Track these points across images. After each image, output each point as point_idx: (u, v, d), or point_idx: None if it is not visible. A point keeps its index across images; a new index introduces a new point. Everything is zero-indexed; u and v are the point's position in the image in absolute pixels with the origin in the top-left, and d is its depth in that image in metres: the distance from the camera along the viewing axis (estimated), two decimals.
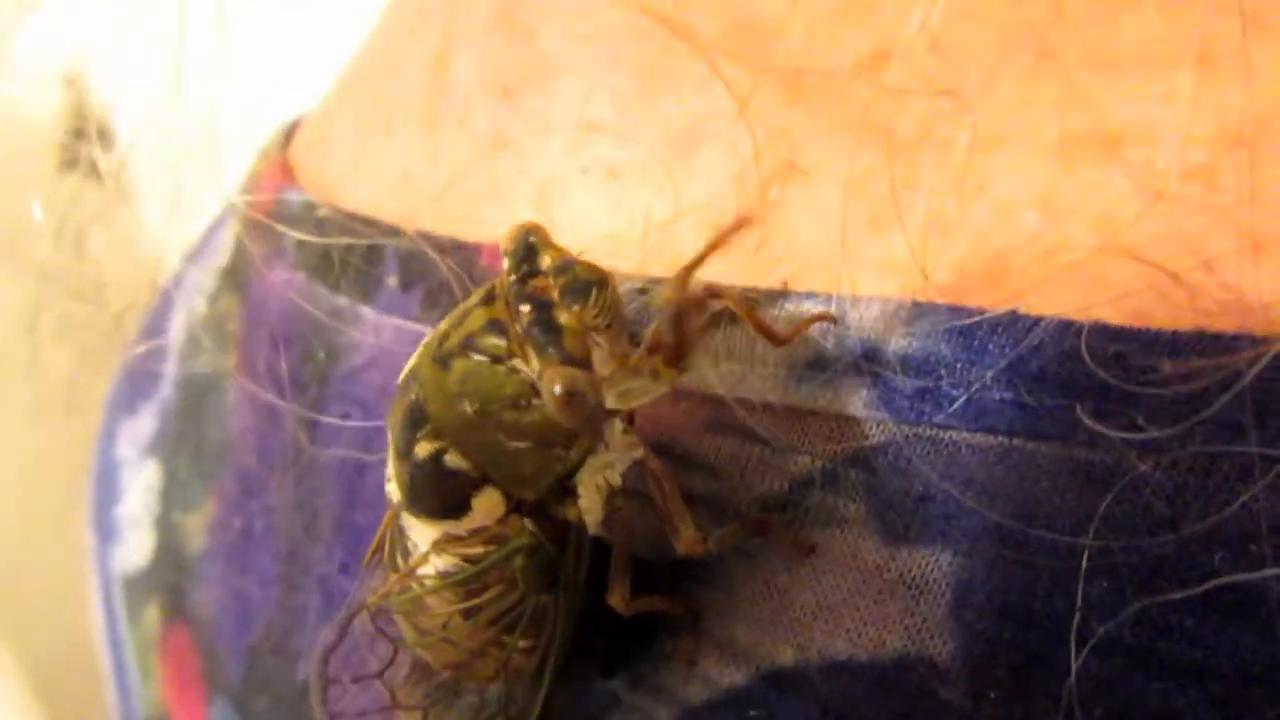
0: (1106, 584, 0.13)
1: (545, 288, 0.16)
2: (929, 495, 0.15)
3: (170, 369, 0.34)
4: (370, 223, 0.23)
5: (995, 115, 0.15)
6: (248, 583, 0.28)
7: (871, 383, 0.15)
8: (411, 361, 0.17)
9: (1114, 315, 0.14)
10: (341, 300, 0.24)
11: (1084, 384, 0.14)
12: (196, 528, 0.31)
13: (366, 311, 0.23)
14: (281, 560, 0.27)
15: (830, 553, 0.16)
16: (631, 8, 0.18)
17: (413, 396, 0.17)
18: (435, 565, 0.18)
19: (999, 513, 0.14)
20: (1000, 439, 0.14)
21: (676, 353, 0.15)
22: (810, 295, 0.16)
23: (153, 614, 0.33)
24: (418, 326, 0.22)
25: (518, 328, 0.16)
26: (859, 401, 0.16)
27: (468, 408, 0.16)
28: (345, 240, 0.23)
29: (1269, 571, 0.12)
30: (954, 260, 0.15)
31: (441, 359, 0.16)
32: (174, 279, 0.37)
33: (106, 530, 0.36)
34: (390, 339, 0.23)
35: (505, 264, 0.16)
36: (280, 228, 0.26)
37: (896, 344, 0.15)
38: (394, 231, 0.22)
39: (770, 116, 0.16)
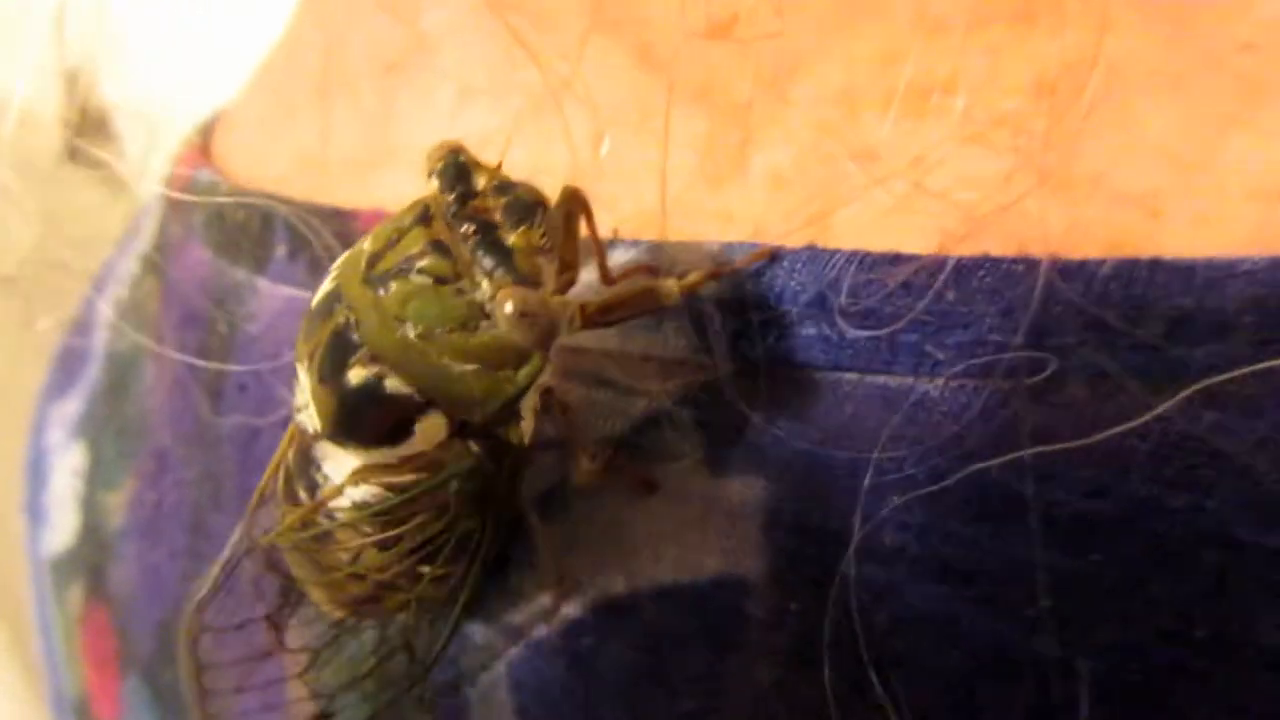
0: (895, 498, 0.14)
1: (486, 208, 0.15)
2: (748, 428, 0.15)
3: (97, 352, 0.35)
4: (266, 198, 0.24)
5: (830, 73, 0.16)
6: (159, 556, 0.29)
7: (695, 326, 0.16)
8: (328, 285, 0.17)
9: (920, 250, 0.15)
10: (240, 273, 0.25)
11: (882, 313, 0.15)
12: (117, 505, 0.32)
13: (261, 282, 0.24)
14: (189, 531, 0.27)
15: (665, 488, 0.17)
16: None
17: (340, 320, 0.16)
18: (351, 497, 0.17)
19: (807, 440, 0.15)
20: (808, 372, 0.15)
21: (565, 262, 0.16)
22: (635, 243, 0.17)
23: (75, 595, 0.34)
24: (304, 294, 0.22)
25: (463, 249, 0.15)
26: (685, 345, 0.16)
27: (410, 331, 0.16)
28: (240, 214, 0.24)
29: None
30: (785, 210, 0.16)
31: (375, 281, 0.16)
32: (105, 266, 0.38)
33: (36, 515, 0.37)
34: (281, 308, 0.23)
35: (436, 184, 0.16)
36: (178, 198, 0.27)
37: (710, 288, 0.16)
38: (279, 204, 0.23)
39: (626, 82, 0.17)
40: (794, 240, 0.16)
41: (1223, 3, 0.15)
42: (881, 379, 0.15)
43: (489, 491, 0.17)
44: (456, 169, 0.16)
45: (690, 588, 0.16)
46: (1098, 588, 0.14)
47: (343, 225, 0.21)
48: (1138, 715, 0.14)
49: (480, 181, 0.16)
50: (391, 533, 0.17)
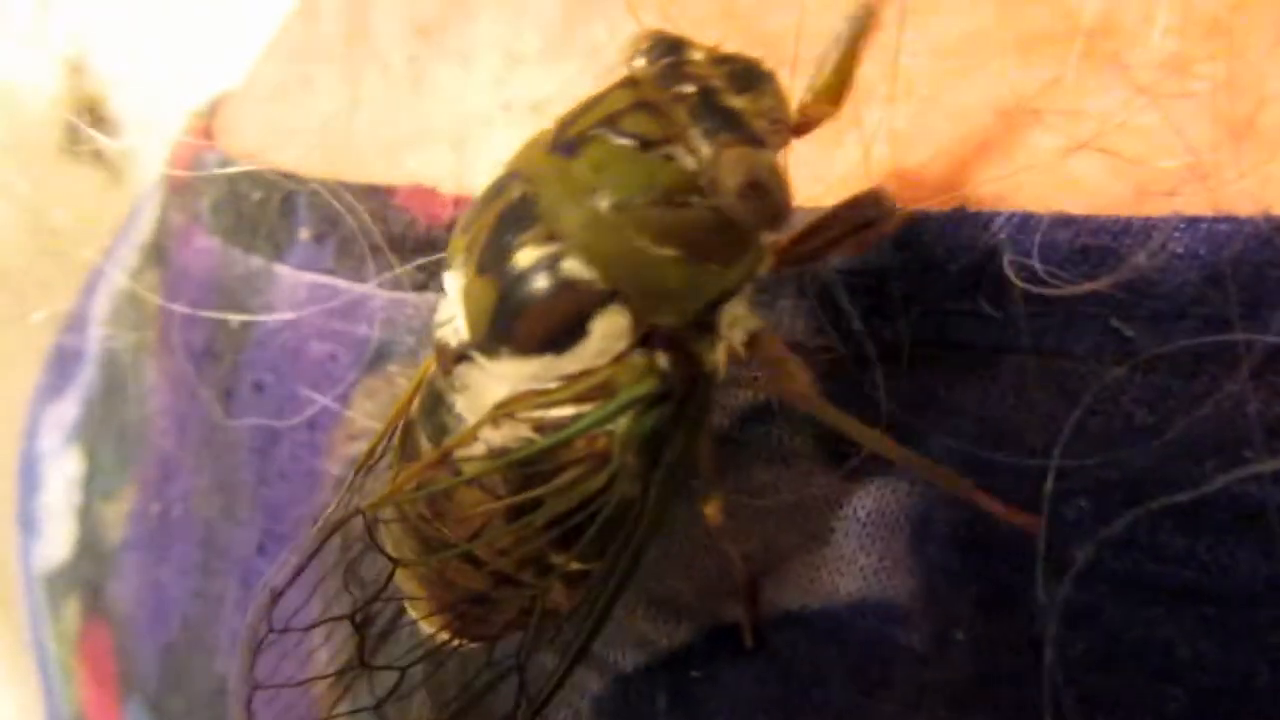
0: (1085, 504, 0.12)
1: (706, 74, 0.13)
2: (883, 422, 0.13)
3: (93, 351, 0.33)
4: (284, 176, 0.22)
5: (945, 24, 0.14)
6: (165, 573, 0.27)
7: (820, 303, 0.14)
8: (509, 163, 0.14)
9: (1081, 210, 0.13)
10: (255, 261, 0.23)
11: (1055, 283, 0.12)
12: (117, 517, 0.30)
13: (280, 269, 0.22)
14: (199, 545, 0.26)
15: (776, 494, 0.14)
16: None
17: (514, 197, 0.13)
18: (488, 441, 0.14)
19: (962, 435, 0.13)
20: (960, 353, 0.13)
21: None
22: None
23: (73, 610, 0.33)
24: (332, 280, 0.20)
25: (678, 110, 0.12)
26: (804, 326, 0.14)
27: (602, 202, 0.13)
28: (258, 194, 0.22)
29: (1263, 466, 0.11)
30: (906, 171, 0.14)
31: (566, 145, 0.13)
32: (104, 258, 0.37)
33: (28, 524, 0.35)
34: (305, 296, 0.22)
35: (641, 61, 0.13)
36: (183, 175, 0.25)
37: (837, 259, 0.14)
38: (302, 182, 0.21)
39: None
40: (924, 203, 0.13)
41: None
42: (1057, 361, 0.13)
43: (664, 439, 0.13)
44: (669, 42, 0.13)
45: (822, 613, 0.14)
46: None
47: (380, 203, 0.19)
48: None
49: (697, 54, 0.13)
50: (530, 494, 0.14)
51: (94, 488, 0.32)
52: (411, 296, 0.18)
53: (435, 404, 0.14)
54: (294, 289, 0.22)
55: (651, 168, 0.13)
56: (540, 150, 0.13)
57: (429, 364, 0.14)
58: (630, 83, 0.13)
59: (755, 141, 0.12)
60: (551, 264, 0.13)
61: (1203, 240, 0.12)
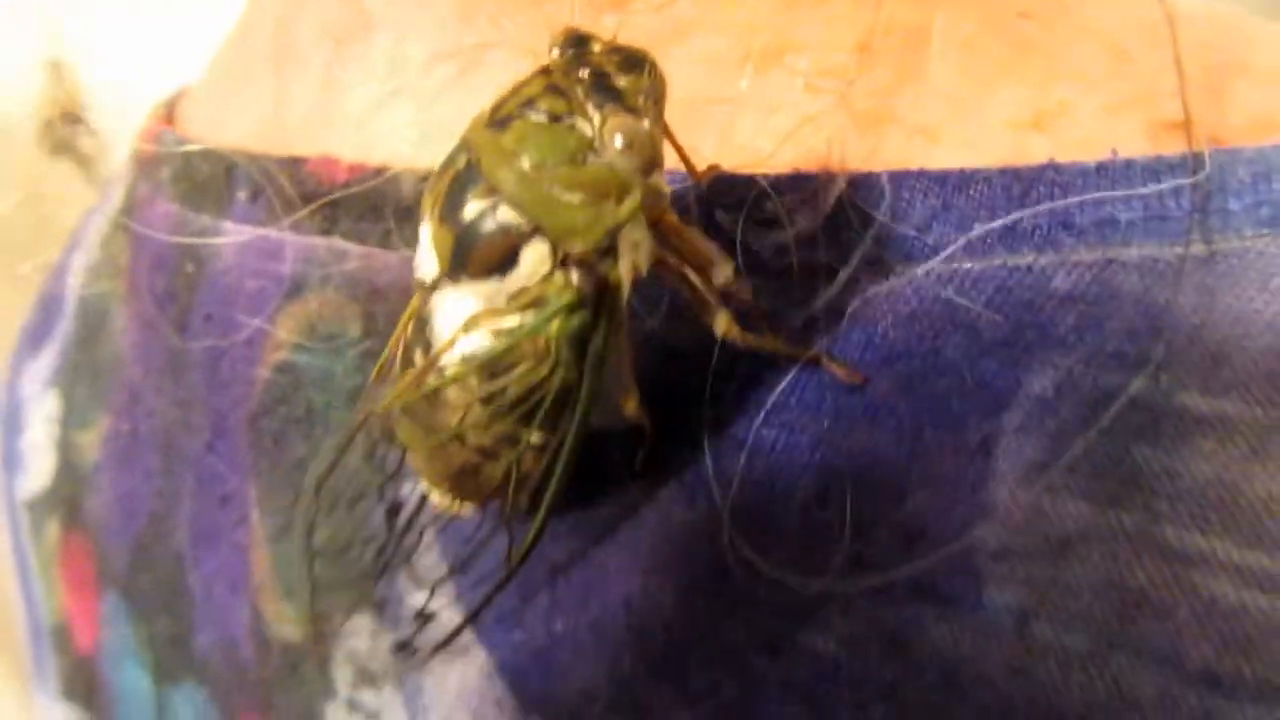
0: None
1: (600, 62, 0.17)
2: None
3: (69, 308, 0.37)
4: (228, 152, 0.27)
5: (702, 39, 0.20)
6: (134, 480, 0.31)
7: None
8: (460, 138, 0.18)
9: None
10: (205, 219, 0.28)
11: None
12: (91, 442, 0.34)
13: (225, 224, 0.27)
14: (160, 452, 0.30)
15: None
16: None
17: (461, 165, 0.17)
18: (461, 349, 0.18)
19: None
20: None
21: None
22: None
23: (53, 528, 0.36)
24: (265, 230, 0.25)
25: (578, 90, 0.17)
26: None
27: (524, 163, 0.17)
28: (206, 168, 0.27)
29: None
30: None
31: (497, 122, 0.17)
32: (78, 230, 0.40)
33: (12, 462, 0.39)
34: (244, 243, 0.26)
35: (556, 51, 0.18)
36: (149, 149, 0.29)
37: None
38: (240, 156, 0.26)
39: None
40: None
41: None
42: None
43: (587, 337, 0.18)
44: (576, 35, 0.18)
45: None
46: None
47: (295, 170, 0.24)
48: None
49: (596, 46, 0.18)
50: (497, 384, 0.18)
51: (71, 422, 0.35)
52: (319, 240, 0.24)
53: (421, 326, 0.19)
54: (236, 237, 0.26)
55: (558, 136, 0.17)
56: (479, 127, 0.17)
57: (416, 299, 0.19)
58: (544, 71, 0.18)
59: (633, 112, 0.17)
60: (490, 210, 0.17)
61: (809, 188, 0.18)
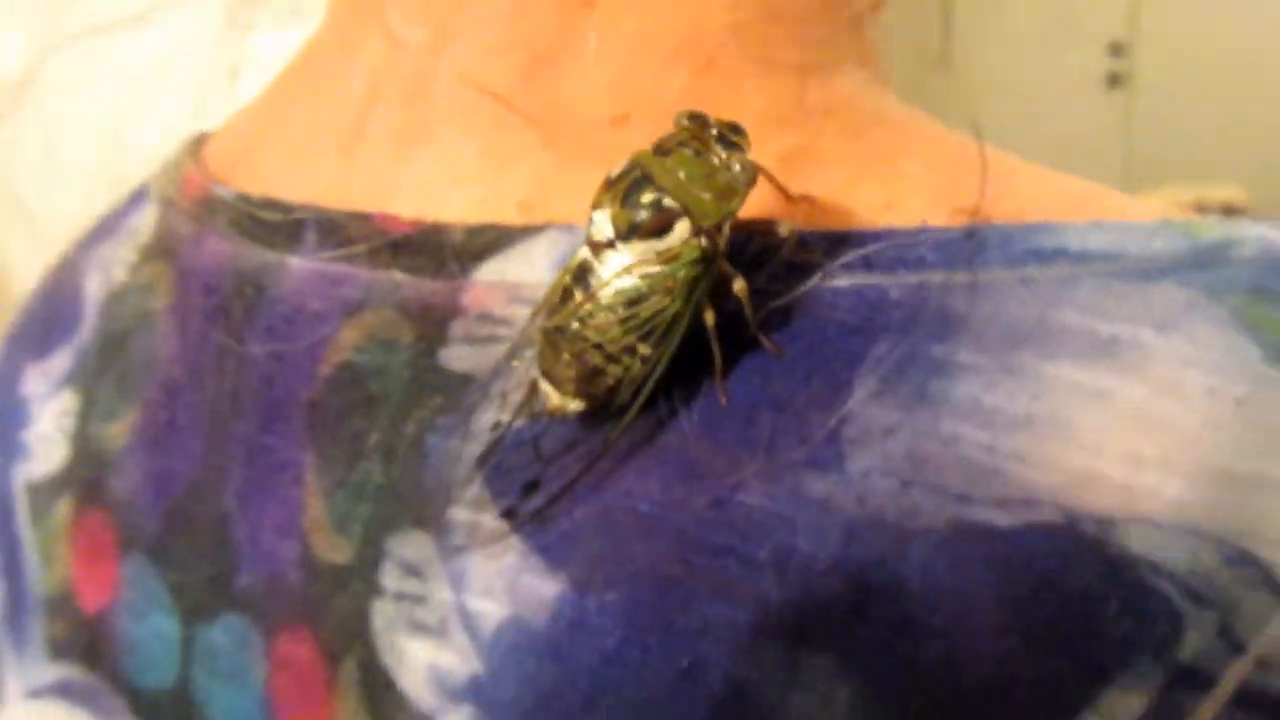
0: None
1: (716, 123, 0.26)
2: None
3: (87, 323, 0.42)
4: (301, 205, 0.34)
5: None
6: (170, 459, 0.35)
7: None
8: (629, 160, 0.26)
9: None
10: (270, 255, 0.34)
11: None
12: (118, 432, 0.37)
13: (292, 260, 0.33)
14: (205, 438, 0.34)
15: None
16: None
17: (636, 174, 0.26)
18: (616, 286, 0.26)
19: None
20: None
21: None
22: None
23: (64, 507, 0.39)
24: (333, 267, 0.32)
25: (710, 138, 0.26)
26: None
27: (681, 174, 0.25)
28: (275, 216, 0.35)
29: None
30: None
31: (661, 152, 0.26)
32: (76, 255, 0.45)
33: (9, 452, 0.42)
34: (308, 275, 0.32)
35: (684, 119, 0.26)
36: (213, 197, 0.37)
37: None
38: (314, 208, 0.33)
39: None
40: None
41: None
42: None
43: (699, 281, 0.26)
44: (695, 112, 0.27)
45: None
46: None
47: (361, 221, 0.32)
48: None
49: (710, 118, 0.27)
50: (634, 310, 0.26)
51: (91, 415, 0.40)
52: (380, 273, 0.31)
53: (584, 274, 0.26)
54: (300, 271, 0.33)
55: (702, 160, 0.26)
56: (648, 155, 0.26)
57: (574, 262, 0.27)
58: (683, 129, 0.27)
59: (741, 151, 0.27)
60: (658, 199, 0.25)
61: None
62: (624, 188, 0.26)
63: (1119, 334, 0.22)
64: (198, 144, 0.44)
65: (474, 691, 0.25)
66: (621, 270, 0.26)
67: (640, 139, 0.29)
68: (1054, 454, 0.21)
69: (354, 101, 0.35)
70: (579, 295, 0.26)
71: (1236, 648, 0.19)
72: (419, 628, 0.27)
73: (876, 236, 0.27)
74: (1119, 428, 0.21)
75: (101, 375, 0.39)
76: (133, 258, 0.42)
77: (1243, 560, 0.20)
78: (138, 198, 0.45)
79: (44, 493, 0.40)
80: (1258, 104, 4.50)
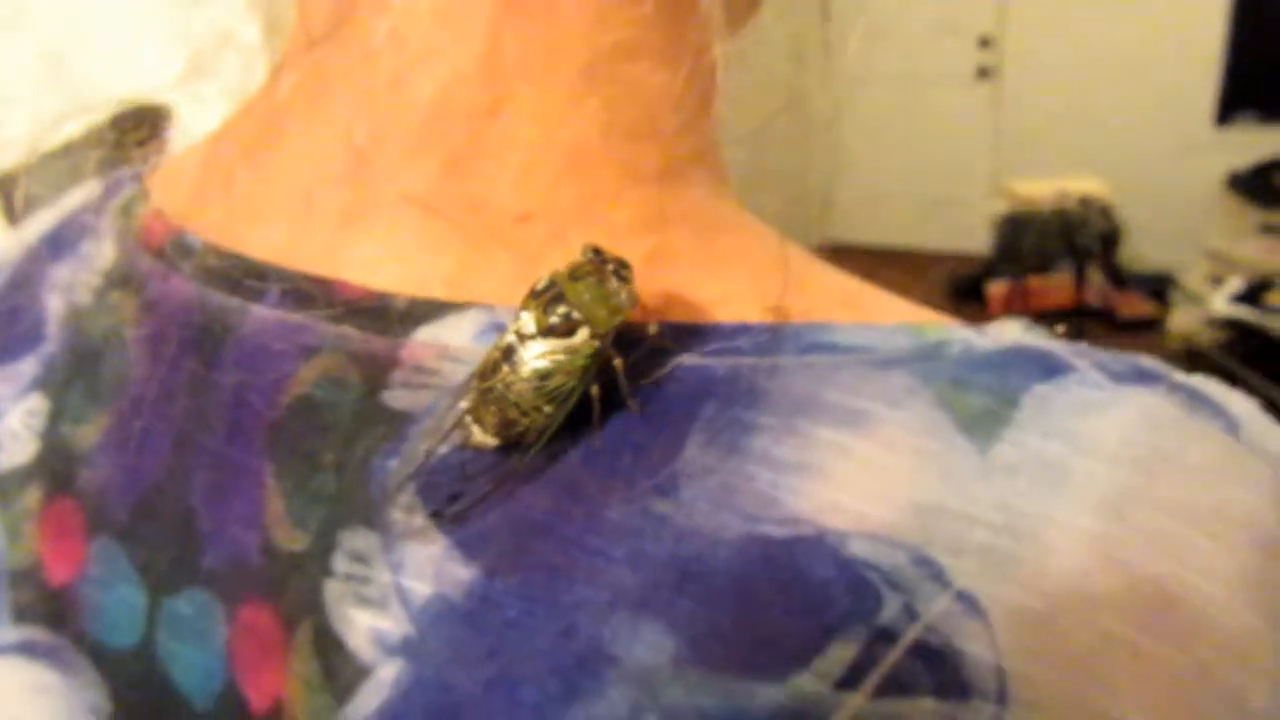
0: None
1: (610, 259, 0.33)
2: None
3: (54, 333, 0.48)
4: (264, 263, 0.39)
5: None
6: (141, 459, 0.39)
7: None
8: (548, 278, 0.33)
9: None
10: (235, 301, 0.38)
11: None
12: (87, 433, 0.41)
13: (256, 308, 0.37)
14: (173, 445, 0.38)
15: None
16: None
17: (555, 291, 0.32)
18: (534, 366, 0.33)
19: None
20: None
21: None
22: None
23: (32, 495, 0.42)
24: (299, 319, 0.37)
25: (608, 269, 0.32)
26: None
27: (586, 296, 0.32)
28: (241, 269, 0.42)
29: None
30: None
31: (574, 277, 0.32)
32: (28, 270, 0.51)
33: None
34: (272, 323, 0.37)
35: (589, 253, 0.33)
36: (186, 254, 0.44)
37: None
38: (277, 270, 0.38)
39: None
40: None
41: None
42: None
43: (590, 367, 0.33)
44: (596, 249, 0.33)
45: None
46: None
47: (321, 284, 0.39)
48: None
49: (607, 253, 0.33)
50: (544, 382, 0.33)
51: (61, 417, 0.43)
52: (333, 327, 0.38)
53: (511, 351, 0.33)
54: (265, 319, 0.37)
55: (601, 288, 0.32)
56: (563, 274, 0.32)
57: (502, 342, 0.34)
58: (589, 260, 0.34)
59: (628, 283, 0.32)
60: (569, 313, 0.32)
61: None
62: (545, 300, 0.33)
63: (863, 407, 0.30)
64: (138, 178, 0.50)
65: (405, 647, 0.32)
66: (538, 355, 0.33)
67: (540, 235, 0.38)
68: (814, 489, 0.29)
69: (302, 176, 0.42)
70: (505, 369, 0.33)
71: (913, 616, 0.27)
72: (364, 601, 0.33)
73: (710, 331, 0.36)
74: (855, 473, 0.29)
75: (70, 384, 0.43)
76: (97, 282, 0.48)
77: (924, 562, 0.28)
78: (79, 223, 0.51)
79: (12, 481, 0.43)
80: (1118, 101, 4.76)
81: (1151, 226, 4.60)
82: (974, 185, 4.86)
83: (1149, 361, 0.32)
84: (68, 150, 0.55)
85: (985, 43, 4.59)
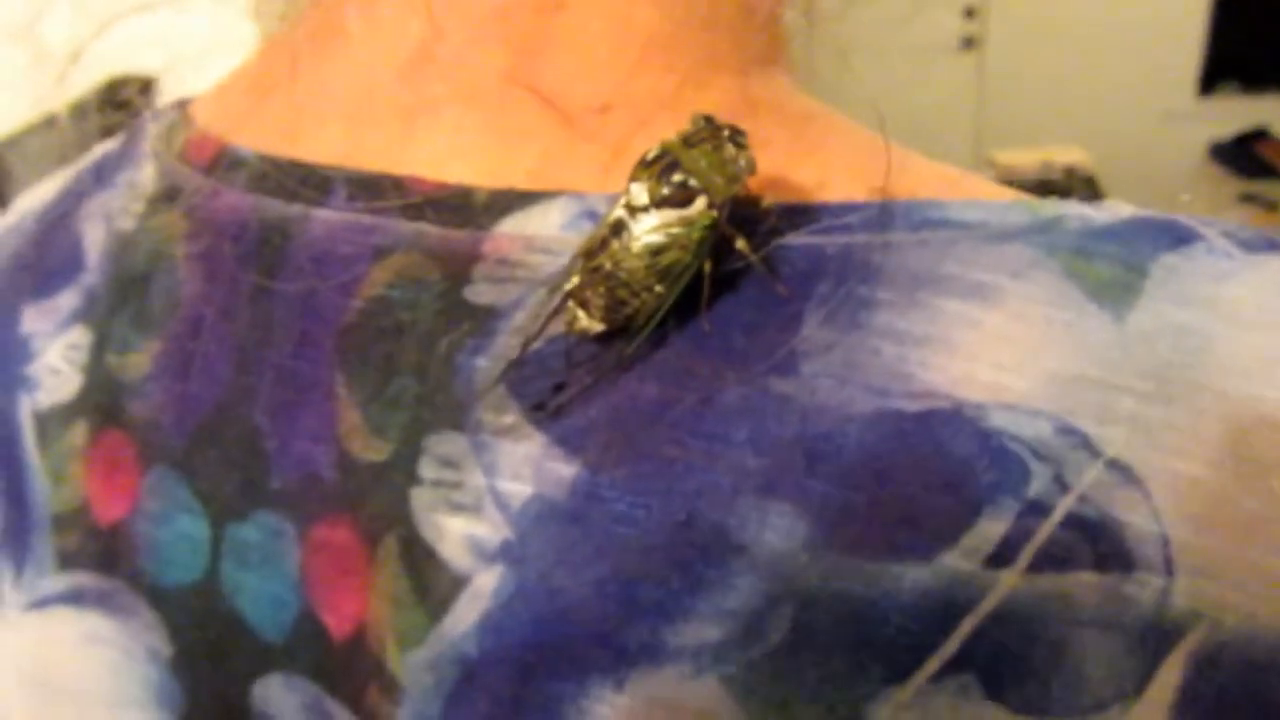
0: None
1: (726, 125, 0.32)
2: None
3: (95, 262, 0.46)
4: (328, 166, 0.37)
5: None
6: (197, 385, 0.38)
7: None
8: (659, 146, 0.32)
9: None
10: (295, 208, 0.37)
11: None
12: (137, 362, 0.40)
13: (319, 212, 0.36)
14: (233, 365, 0.37)
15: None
16: None
17: (668, 159, 0.31)
18: (645, 240, 0.32)
19: None
20: None
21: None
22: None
23: (78, 431, 0.41)
24: (366, 219, 0.35)
25: (722, 135, 0.31)
26: None
27: (702, 163, 0.31)
28: (300, 173, 0.39)
29: None
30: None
31: (688, 144, 0.31)
32: (64, 206, 0.49)
33: (12, 386, 0.45)
34: (340, 223, 0.35)
35: (700, 121, 0.32)
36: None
37: None
38: (342, 171, 0.36)
39: None
40: None
41: None
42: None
43: (705, 241, 0.32)
44: (708, 116, 0.32)
45: None
46: None
47: (391, 179, 0.37)
48: None
49: (720, 120, 0.32)
50: (656, 258, 0.32)
51: (106, 348, 0.41)
52: (408, 224, 0.36)
53: (621, 227, 0.32)
54: (329, 221, 0.36)
55: (717, 155, 0.31)
56: (678, 144, 0.32)
57: (610, 218, 0.32)
58: (701, 128, 0.33)
59: (746, 150, 0.31)
60: (684, 179, 0.31)
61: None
62: (659, 168, 0.34)
63: (985, 280, 0.29)
64: (182, 105, 0.48)
65: (505, 552, 0.31)
66: (651, 229, 0.32)
67: (625, 124, 0.36)
68: (944, 362, 0.29)
69: (360, 77, 0.40)
70: (615, 245, 0.32)
71: (1064, 488, 0.27)
72: (457, 507, 0.32)
73: (818, 210, 0.35)
74: (986, 344, 0.28)
75: (115, 312, 0.42)
76: (139, 207, 0.45)
77: (1069, 431, 0.27)
78: (124, 154, 0.49)
79: (54, 419, 0.42)
80: (1102, 71, 4.77)
81: (1134, 196, 4.60)
82: (958, 156, 4.85)
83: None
84: (50, 123, 0.53)
85: (970, 13, 4.58)
